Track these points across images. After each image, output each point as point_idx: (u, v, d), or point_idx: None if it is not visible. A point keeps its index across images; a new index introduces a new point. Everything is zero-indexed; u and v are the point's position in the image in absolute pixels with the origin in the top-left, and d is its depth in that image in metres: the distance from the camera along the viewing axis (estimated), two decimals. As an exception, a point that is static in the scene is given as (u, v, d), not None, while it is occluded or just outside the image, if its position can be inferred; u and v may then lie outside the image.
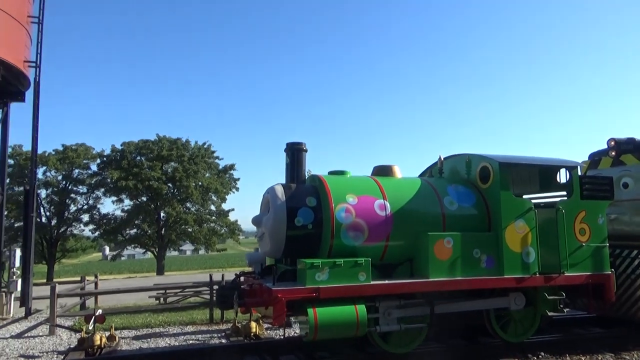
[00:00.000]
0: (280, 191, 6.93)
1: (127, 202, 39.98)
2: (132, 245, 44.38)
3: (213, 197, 41.47)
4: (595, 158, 10.05)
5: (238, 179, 43.27)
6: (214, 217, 41.58)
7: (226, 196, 41.62)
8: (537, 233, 7.26)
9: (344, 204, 6.76)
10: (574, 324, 9.52)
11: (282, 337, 9.19)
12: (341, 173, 7.52)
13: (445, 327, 7.54)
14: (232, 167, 42.44)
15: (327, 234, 6.72)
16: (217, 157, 41.63)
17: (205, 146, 40.70)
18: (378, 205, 6.91)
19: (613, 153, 9.45)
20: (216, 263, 55.99)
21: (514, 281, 7.08)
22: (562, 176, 8.33)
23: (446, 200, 7.30)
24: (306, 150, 7.42)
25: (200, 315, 11.73)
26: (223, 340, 9.06)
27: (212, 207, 41.80)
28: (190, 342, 9.09)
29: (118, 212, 40.23)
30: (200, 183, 38.92)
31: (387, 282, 6.62)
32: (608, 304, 7.89)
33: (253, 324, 9.11)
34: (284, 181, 7.28)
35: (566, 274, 7.33)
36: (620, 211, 8.82)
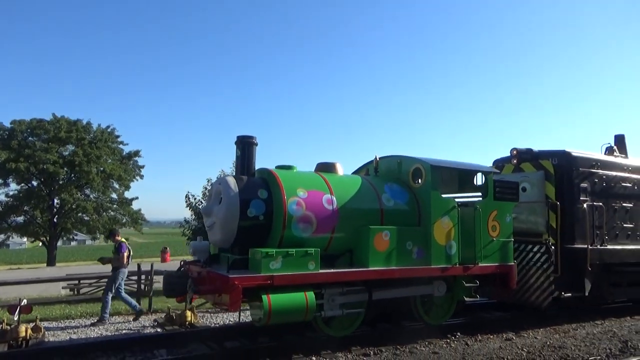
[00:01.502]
0: (232, 182, 7.16)
1: (14, 187, 36.49)
2: (17, 234, 40.52)
3: (115, 185, 39.32)
4: (499, 164, 11.50)
5: (143, 166, 41.49)
6: (115, 206, 39.42)
7: (130, 184, 39.68)
8: (459, 228, 8.27)
9: (295, 197, 7.18)
10: (478, 308, 10.87)
11: (216, 325, 9.41)
12: (289, 168, 7.91)
13: (378, 312, 8.29)
14: (137, 153, 40.56)
15: (279, 225, 7.09)
16: (121, 142, 39.49)
17: (109, 130, 38.32)
18: (326, 200, 7.42)
19: (515, 161, 10.91)
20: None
21: (439, 270, 8.00)
22: (479, 179, 9.49)
23: (384, 197, 8.02)
24: (257, 144, 7.71)
25: (123, 305, 11.38)
26: (158, 329, 9.02)
27: (114, 195, 39.62)
28: (124, 332, 8.92)
29: (2, 197, 36.56)
30: (102, 169, 36.58)
31: (334, 270, 7.17)
32: (510, 291, 9.17)
33: (188, 313, 9.19)
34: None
35: (480, 265, 8.43)
36: (519, 211, 10.20)
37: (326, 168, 8.32)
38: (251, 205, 7.06)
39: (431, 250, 7.93)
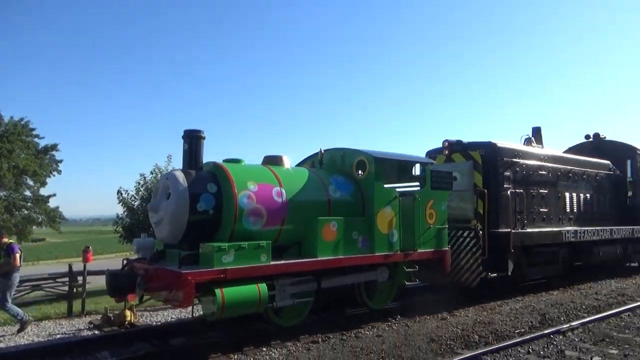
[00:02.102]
0: (181, 177, 7.03)
1: None
2: None
3: (29, 181, 36.48)
4: (432, 155, 12.16)
5: (61, 161, 38.82)
6: (29, 204, 36.59)
7: (46, 180, 37.00)
8: (400, 217, 8.70)
9: (246, 191, 7.20)
10: (412, 292, 11.45)
11: (158, 323, 9.21)
12: (237, 161, 7.88)
13: (326, 299, 8.53)
14: (54, 147, 37.81)
15: (229, 219, 7.08)
16: (36, 136, 36.64)
17: (22, 122, 35.34)
18: (275, 193, 7.51)
19: (446, 152, 11.61)
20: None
21: (382, 258, 8.40)
22: (417, 170, 10.01)
23: (330, 189, 8.25)
24: (204, 138, 7.60)
25: (52, 309, 10.75)
26: (96, 332, 8.64)
27: (28, 192, 36.75)
28: (58, 336, 8.45)
29: None
30: (14, 164, 33.71)
31: (285, 262, 7.30)
32: (445, 274, 9.80)
33: (128, 312, 8.90)
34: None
35: (419, 251, 8.94)
36: (450, 199, 10.87)
37: (273, 161, 8.37)
38: (201, 200, 6.98)
39: (375, 239, 8.30)
